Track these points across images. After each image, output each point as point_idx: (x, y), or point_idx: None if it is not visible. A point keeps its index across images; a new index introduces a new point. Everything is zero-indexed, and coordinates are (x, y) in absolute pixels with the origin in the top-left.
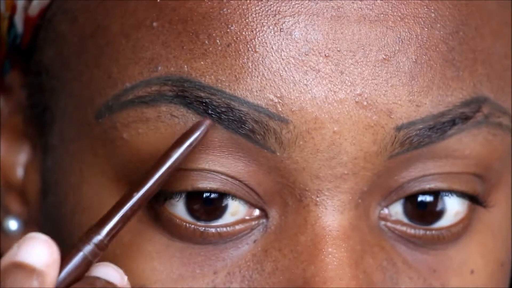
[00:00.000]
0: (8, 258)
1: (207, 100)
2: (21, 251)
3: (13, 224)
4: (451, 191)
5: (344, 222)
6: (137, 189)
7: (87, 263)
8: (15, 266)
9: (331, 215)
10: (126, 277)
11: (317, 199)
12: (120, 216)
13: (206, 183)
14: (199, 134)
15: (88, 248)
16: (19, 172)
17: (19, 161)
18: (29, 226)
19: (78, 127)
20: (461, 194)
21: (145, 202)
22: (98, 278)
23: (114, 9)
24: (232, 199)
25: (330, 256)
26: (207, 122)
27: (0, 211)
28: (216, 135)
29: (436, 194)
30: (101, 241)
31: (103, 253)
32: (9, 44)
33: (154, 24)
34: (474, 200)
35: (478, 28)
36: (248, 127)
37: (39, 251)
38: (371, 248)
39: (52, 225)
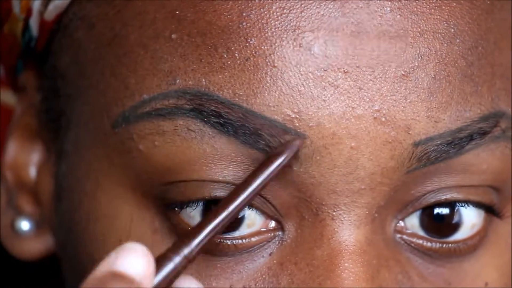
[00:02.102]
0: (106, 266)
1: (224, 114)
2: (120, 260)
3: (25, 225)
4: (468, 202)
5: (360, 236)
6: (229, 203)
7: (176, 275)
8: (114, 276)
9: (348, 230)
10: None
11: (334, 213)
12: (210, 229)
13: (224, 192)
14: (288, 155)
15: (178, 259)
16: (32, 171)
17: (31, 160)
18: (41, 227)
19: (94, 135)
20: (478, 205)
21: (235, 215)
22: None
23: (132, 19)
24: (249, 209)
25: (346, 271)
26: (298, 143)
27: (12, 212)
28: (233, 149)
29: (453, 206)
30: (190, 253)
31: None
32: (24, 46)
33: (173, 36)
34: (490, 210)
35: (497, 42)
36: (265, 142)
37: (137, 262)
38: (386, 262)
39: (66, 230)
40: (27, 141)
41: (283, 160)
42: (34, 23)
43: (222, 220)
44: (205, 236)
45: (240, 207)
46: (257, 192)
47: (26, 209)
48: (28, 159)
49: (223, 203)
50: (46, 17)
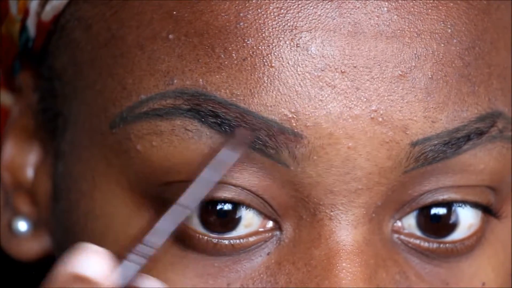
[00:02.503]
0: (64, 268)
1: (221, 114)
2: (78, 262)
3: (22, 225)
4: (465, 202)
5: (358, 236)
6: (183, 202)
7: (136, 274)
8: (75, 278)
9: (345, 230)
10: None
11: (331, 213)
12: (167, 225)
13: (221, 193)
14: (240, 148)
15: (135, 258)
16: (29, 172)
17: (28, 161)
18: (39, 228)
19: (91, 135)
20: (475, 205)
21: (192, 210)
22: None
23: (129, 20)
24: (247, 209)
25: (344, 271)
26: (245, 132)
27: (10, 212)
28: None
29: (450, 206)
30: (149, 250)
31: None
32: (21, 46)
33: (170, 36)
34: (487, 210)
35: (494, 42)
36: (262, 142)
37: (97, 263)
38: (384, 262)
39: (63, 231)
40: (24, 141)
41: (235, 154)
42: (31, 23)
43: (181, 217)
44: (163, 233)
45: (197, 201)
46: (214, 186)
47: (23, 210)
48: (25, 160)
49: (179, 199)
50: (43, 18)
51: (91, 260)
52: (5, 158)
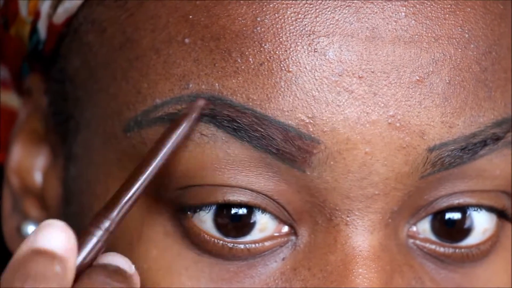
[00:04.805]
0: (27, 245)
1: (237, 118)
2: (39, 237)
3: (31, 229)
4: (480, 206)
5: (374, 242)
6: (141, 172)
7: (99, 248)
8: (35, 253)
9: (361, 235)
10: (133, 266)
11: (348, 218)
12: (126, 199)
13: (237, 196)
14: (196, 115)
15: (99, 233)
16: (37, 176)
17: (37, 165)
18: None
19: (105, 138)
20: (490, 209)
21: (148, 184)
22: (108, 265)
23: (145, 23)
24: (262, 213)
25: (360, 277)
26: (201, 102)
27: (18, 216)
28: (246, 154)
29: (464, 211)
30: (110, 225)
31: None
32: (31, 49)
33: (186, 40)
34: (502, 215)
35: (510, 47)
36: (278, 147)
37: (57, 237)
38: (400, 267)
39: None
40: (32, 145)
41: (189, 122)
42: (42, 26)
43: (137, 189)
44: (123, 207)
45: (153, 174)
46: (168, 157)
47: (32, 214)
48: (34, 164)
49: (136, 172)
50: (55, 20)
51: (52, 235)
52: (13, 161)
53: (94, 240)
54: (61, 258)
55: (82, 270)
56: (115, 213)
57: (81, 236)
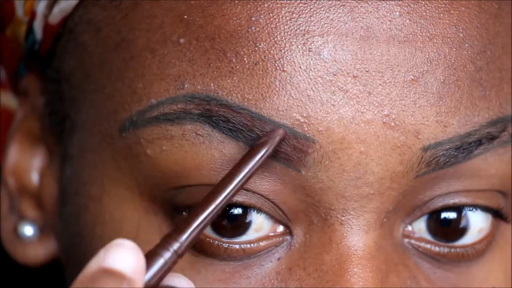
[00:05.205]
0: (96, 263)
1: (232, 119)
2: (109, 257)
3: (28, 230)
4: (476, 206)
5: (369, 241)
6: (215, 198)
7: (167, 270)
8: (104, 272)
9: (357, 235)
10: None
11: (343, 218)
12: (198, 222)
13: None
14: (272, 145)
15: (168, 255)
16: (34, 177)
17: (34, 165)
18: (45, 232)
19: (100, 138)
20: (485, 209)
21: (223, 207)
22: (173, 287)
23: (140, 23)
24: (257, 213)
25: (355, 276)
26: (281, 132)
27: (15, 217)
28: (241, 153)
29: (460, 210)
30: (179, 248)
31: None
32: (27, 49)
33: (181, 40)
34: (497, 215)
35: (505, 46)
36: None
37: (127, 258)
38: (395, 266)
39: (71, 235)
40: (29, 145)
41: (267, 150)
42: (38, 26)
43: (210, 213)
44: (194, 230)
45: (228, 199)
46: (244, 183)
47: (29, 214)
48: (30, 164)
49: (209, 196)
50: (51, 21)
51: (123, 255)
52: (10, 162)
53: (161, 261)
54: (130, 279)
55: None
56: (185, 236)
57: (149, 257)
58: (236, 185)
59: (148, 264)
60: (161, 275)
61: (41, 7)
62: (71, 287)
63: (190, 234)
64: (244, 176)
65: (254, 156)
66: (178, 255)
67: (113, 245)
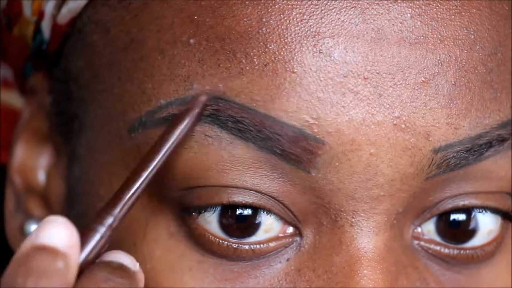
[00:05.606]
0: (29, 241)
1: (240, 119)
2: (41, 234)
3: (34, 229)
4: (485, 208)
5: (379, 243)
6: (143, 169)
7: (103, 245)
8: (37, 249)
9: (367, 236)
10: (138, 264)
11: (353, 220)
12: (129, 195)
13: (242, 197)
14: (198, 111)
15: (102, 229)
16: (41, 175)
17: (40, 164)
18: None
19: (109, 139)
20: (495, 211)
21: (151, 180)
22: (111, 262)
23: (149, 23)
24: (267, 214)
25: (365, 278)
26: (204, 98)
27: (21, 215)
28: (250, 154)
29: (469, 212)
30: (114, 221)
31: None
32: (34, 48)
33: (191, 41)
34: (507, 216)
35: None
36: (282, 147)
37: (60, 233)
38: (405, 268)
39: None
40: (35, 144)
41: (191, 119)
42: (46, 26)
43: (140, 185)
44: (126, 202)
45: (155, 171)
46: (170, 153)
47: (35, 213)
48: (37, 163)
49: (138, 168)
50: (59, 21)
51: (54, 231)
52: (16, 160)
53: (97, 236)
54: (64, 254)
55: (85, 267)
56: (118, 209)
57: (84, 233)
58: (163, 155)
59: (84, 240)
60: (98, 250)
61: (49, 7)
62: (6, 271)
63: (123, 207)
64: (170, 146)
65: (179, 124)
66: (113, 229)
67: (45, 222)
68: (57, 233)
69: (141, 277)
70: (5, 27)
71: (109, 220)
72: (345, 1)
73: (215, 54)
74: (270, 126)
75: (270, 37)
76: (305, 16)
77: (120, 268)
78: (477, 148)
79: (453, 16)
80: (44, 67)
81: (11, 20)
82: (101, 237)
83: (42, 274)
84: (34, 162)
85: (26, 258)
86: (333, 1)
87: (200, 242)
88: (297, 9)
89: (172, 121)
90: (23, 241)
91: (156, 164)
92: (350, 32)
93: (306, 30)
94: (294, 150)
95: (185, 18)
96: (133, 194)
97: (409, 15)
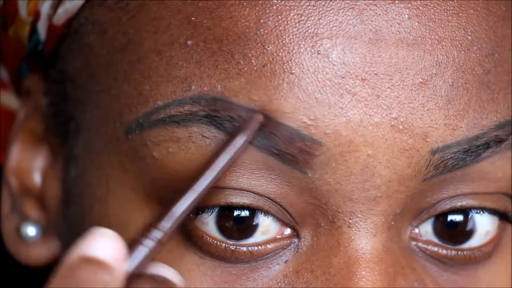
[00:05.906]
0: (76, 252)
1: (238, 119)
2: (89, 245)
3: (31, 231)
4: (483, 209)
5: (377, 244)
6: (197, 186)
7: (149, 259)
8: (84, 261)
9: (364, 238)
10: (182, 278)
11: (350, 221)
12: (181, 211)
13: (239, 198)
14: (252, 131)
15: (151, 244)
16: (36, 177)
17: (36, 165)
18: (48, 232)
19: (106, 140)
20: (492, 211)
21: (204, 196)
22: (156, 276)
23: (146, 25)
24: (265, 215)
25: (363, 279)
26: (260, 117)
27: (17, 217)
28: (248, 156)
29: (466, 213)
30: (163, 236)
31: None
32: (30, 49)
33: (189, 42)
34: (504, 217)
35: None
36: (280, 148)
37: (107, 246)
38: (402, 269)
39: (75, 236)
40: (31, 145)
41: (247, 137)
42: (42, 27)
43: (192, 202)
44: (177, 219)
45: (208, 188)
46: (225, 171)
47: (31, 215)
48: (33, 164)
49: (191, 184)
50: (55, 21)
51: (103, 243)
52: (12, 162)
53: (144, 250)
54: (110, 267)
55: (131, 280)
56: (168, 224)
57: (131, 246)
58: (218, 173)
59: (131, 253)
60: (144, 264)
61: (45, 8)
62: (53, 278)
63: (173, 223)
64: (225, 164)
65: (234, 143)
66: (161, 244)
67: (93, 234)
68: (104, 245)
69: None
70: (1, 28)
71: (157, 235)
72: (343, 2)
73: (213, 55)
74: (267, 127)
75: (268, 38)
76: (303, 17)
77: (165, 283)
78: (475, 149)
79: (450, 17)
80: (39, 68)
81: (7, 20)
82: (148, 252)
83: (89, 286)
84: (29, 164)
85: (73, 269)
86: (331, 2)
87: (198, 244)
88: (295, 10)
89: (227, 138)
90: (19, 243)
91: (209, 181)
92: (348, 33)
93: (304, 31)
94: (290, 151)
95: (183, 19)
96: (185, 210)
97: (406, 16)
